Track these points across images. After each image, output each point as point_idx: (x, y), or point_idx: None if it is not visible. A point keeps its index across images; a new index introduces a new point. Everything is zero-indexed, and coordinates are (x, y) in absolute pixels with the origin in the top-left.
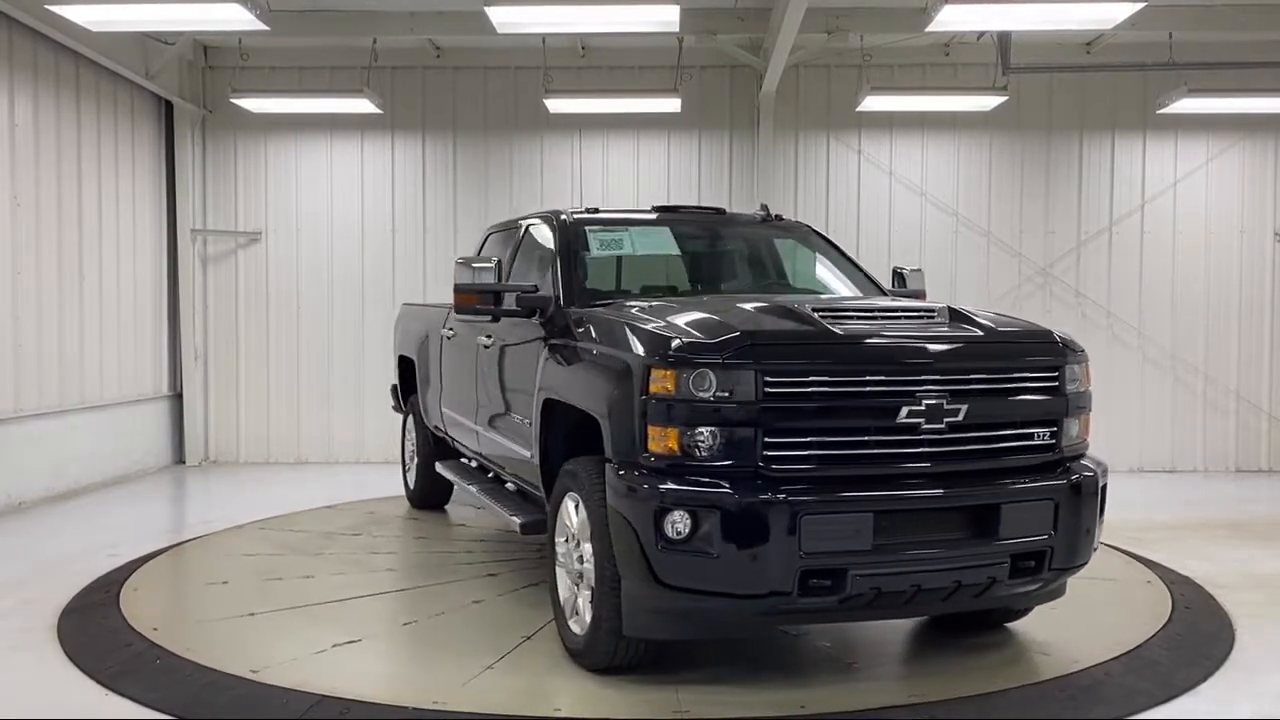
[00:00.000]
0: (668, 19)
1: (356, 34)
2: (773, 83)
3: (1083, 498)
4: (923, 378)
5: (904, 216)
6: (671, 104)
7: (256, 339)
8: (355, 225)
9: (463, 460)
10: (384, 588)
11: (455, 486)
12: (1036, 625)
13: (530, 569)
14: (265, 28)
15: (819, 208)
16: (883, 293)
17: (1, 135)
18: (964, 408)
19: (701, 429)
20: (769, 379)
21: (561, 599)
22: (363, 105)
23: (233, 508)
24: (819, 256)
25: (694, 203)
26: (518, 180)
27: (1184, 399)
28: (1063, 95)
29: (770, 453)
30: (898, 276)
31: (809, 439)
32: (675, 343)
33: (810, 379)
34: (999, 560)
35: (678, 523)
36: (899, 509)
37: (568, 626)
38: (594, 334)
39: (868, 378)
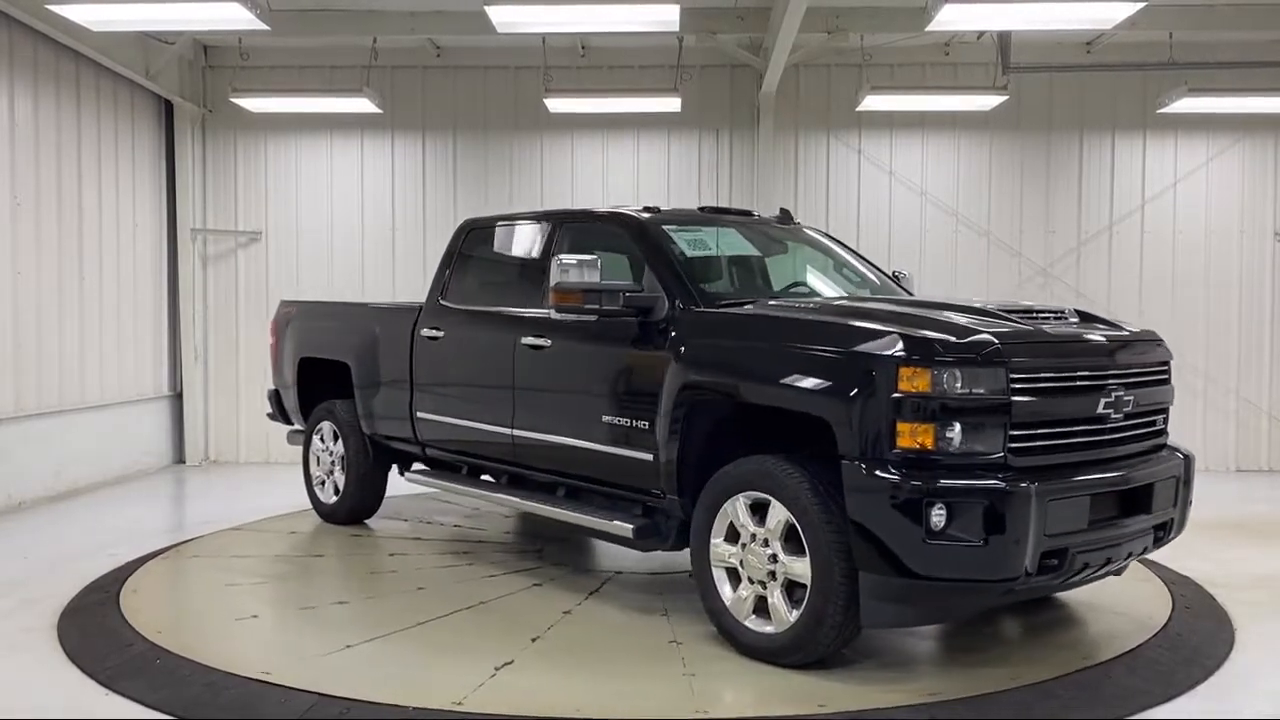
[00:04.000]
0: (668, 19)
1: (356, 33)
2: (773, 82)
3: (1189, 475)
4: (1111, 372)
5: (904, 216)
6: (671, 104)
7: (257, 339)
8: (355, 225)
9: (437, 467)
10: (444, 609)
11: (384, 499)
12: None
13: (565, 575)
14: (265, 27)
15: (819, 207)
16: (908, 293)
17: (1, 135)
18: (1132, 398)
19: (955, 424)
20: (1014, 376)
21: (727, 600)
22: (363, 105)
23: (234, 508)
24: (850, 259)
25: (695, 203)
26: (517, 180)
27: (1184, 399)
28: (1063, 95)
29: (1013, 445)
30: (896, 279)
31: (1039, 430)
32: (930, 343)
33: (1043, 375)
34: (1150, 532)
35: (940, 515)
36: (1103, 490)
37: (743, 626)
38: (783, 334)
39: (1082, 373)
